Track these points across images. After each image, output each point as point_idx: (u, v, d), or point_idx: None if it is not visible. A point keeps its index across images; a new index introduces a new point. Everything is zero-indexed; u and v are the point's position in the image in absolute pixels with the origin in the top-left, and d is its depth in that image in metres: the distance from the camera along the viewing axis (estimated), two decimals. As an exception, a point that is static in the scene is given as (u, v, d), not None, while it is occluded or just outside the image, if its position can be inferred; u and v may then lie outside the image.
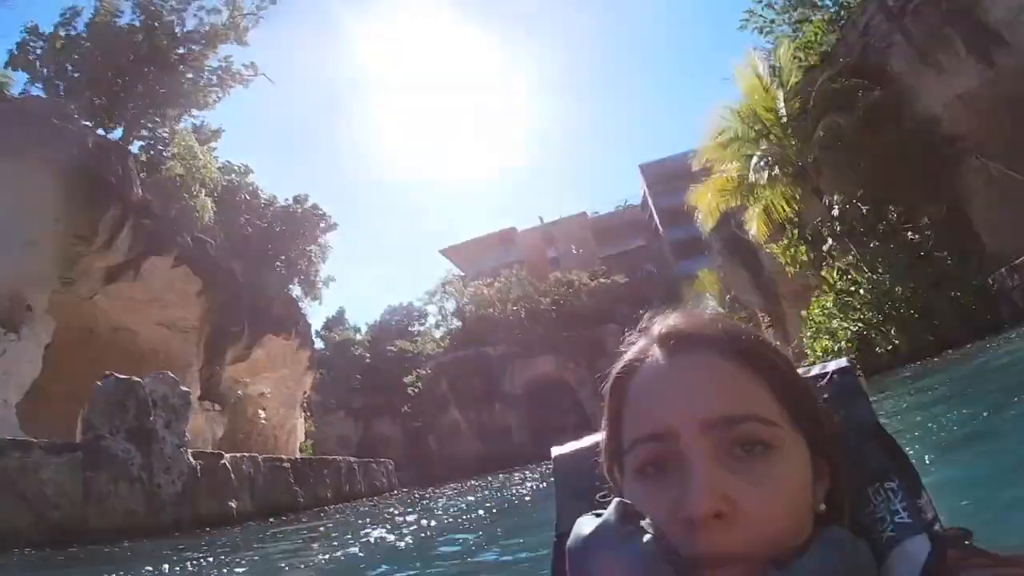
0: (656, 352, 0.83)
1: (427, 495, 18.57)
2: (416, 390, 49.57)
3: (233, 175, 29.25)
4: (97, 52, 24.20)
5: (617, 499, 0.78)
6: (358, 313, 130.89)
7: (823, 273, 18.76)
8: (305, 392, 31.65)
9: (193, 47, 26.51)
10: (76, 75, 24.21)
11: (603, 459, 0.89)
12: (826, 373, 0.94)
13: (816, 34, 22.28)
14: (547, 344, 47.07)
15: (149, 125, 25.36)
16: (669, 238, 55.49)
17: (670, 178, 44.75)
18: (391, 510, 14.54)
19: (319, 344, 44.39)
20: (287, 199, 31.87)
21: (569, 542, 0.78)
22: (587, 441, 0.97)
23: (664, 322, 0.87)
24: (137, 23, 25.58)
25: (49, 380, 16.65)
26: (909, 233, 16.81)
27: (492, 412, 47.10)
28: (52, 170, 16.52)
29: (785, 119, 19.25)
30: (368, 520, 12.21)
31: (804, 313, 20.04)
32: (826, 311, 18.22)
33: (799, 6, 25.29)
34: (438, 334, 57.05)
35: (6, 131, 16.30)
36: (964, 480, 3.81)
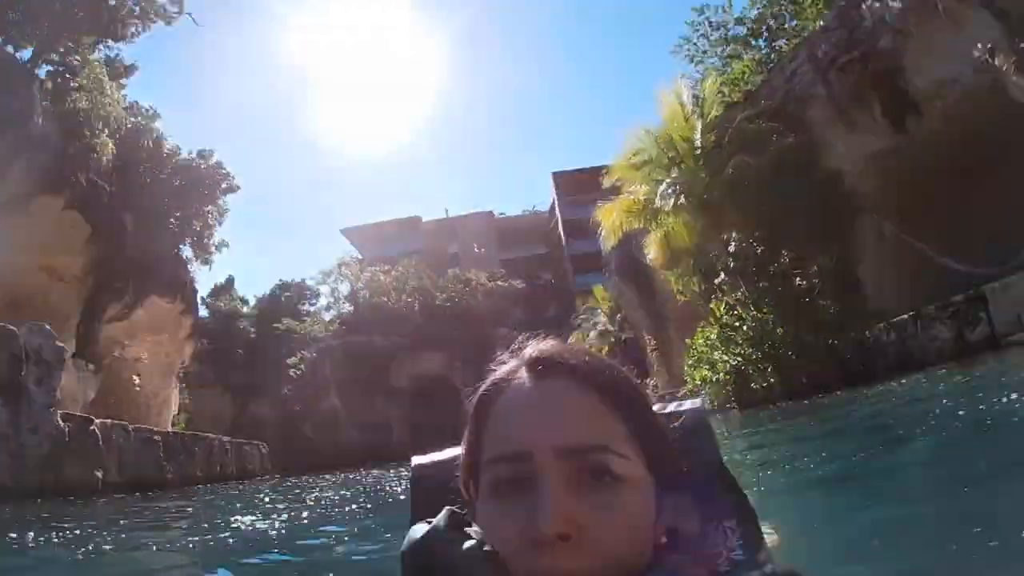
0: (523, 375, 0.87)
1: (300, 483, 18.23)
2: (298, 372, 48.41)
3: (139, 118, 27.60)
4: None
5: (447, 507, 0.84)
6: (247, 284, 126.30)
7: (711, 305, 19.45)
8: (183, 362, 30.42)
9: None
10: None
11: (460, 473, 0.92)
12: (680, 412, 1.00)
13: (744, 72, 23.16)
14: (437, 341, 47.02)
15: (61, 50, 23.59)
16: (570, 250, 56.47)
17: (580, 190, 45.48)
18: (262, 496, 14.22)
19: (203, 312, 42.62)
20: (191, 152, 30.13)
21: (403, 546, 0.83)
22: (448, 453, 1.00)
23: (536, 347, 0.91)
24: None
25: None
26: (798, 278, 17.69)
27: (374, 404, 46.60)
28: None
29: (699, 151, 19.75)
30: (239, 505, 11.93)
31: (689, 341, 20.88)
32: (709, 342, 19.03)
33: (733, 42, 26.36)
34: (328, 317, 55.96)
35: None
36: (818, 515, 4.19)
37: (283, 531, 7.21)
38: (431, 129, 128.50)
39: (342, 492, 12.96)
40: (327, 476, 21.42)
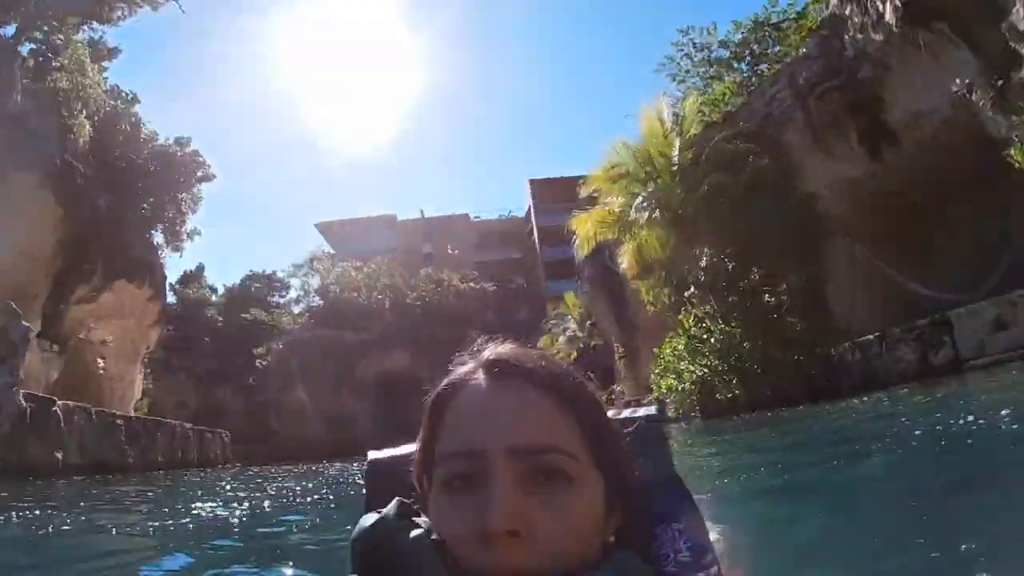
0: (480, 377, 0.89)
1: (263, 473, 18.14)
2: (265, 363, 48.04)
3: (119, 101, 27.31)
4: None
5: (397, 498, 0.87)
6: (218, 273, 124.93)
7: (680, 317, 19.83)
8: (149, 347, 30.01)
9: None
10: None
11: (414, 468, 0.94)
12: (636, 419, 1.03)
13: (724, 94, 23.58)
14: (406, 339, 46.90)
15: (45, 28, 23.23)
16: (544, 256, 56.71)
17: (556, 198, 45.77)
18: (224, 484, 14.16)
19: (171, 299, 42.08)
20: (168, 139, 29.96)
21: (353, 534, 0.85)
22: (403, 449, 1.02)
23: (494, 350, 0.93)
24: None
25: None
26: (767, 295, 18.10)
27: (340, 398, 46.35)
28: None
29: (676, 167, 20.16)
30: (200, 492, 11.88)
31: (656, 351, 21.19)
32: (677, 352, 19.36)
33: (715, 64, 26.83)
34: (297, 309, 55.51)
35: None
36: (767, 521, 4.35)
37: (244, 519, 7.22)
38: (411, 129, 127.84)
39: (304, 483, 12.87)
40: (290, 467, 21.31)
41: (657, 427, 1.05)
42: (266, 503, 9.22)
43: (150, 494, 11.77)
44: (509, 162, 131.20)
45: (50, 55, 22.98)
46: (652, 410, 1.07)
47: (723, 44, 27.03)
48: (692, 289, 19.89)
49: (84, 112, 22.66)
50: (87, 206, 22.20)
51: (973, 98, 13.99)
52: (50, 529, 6.77)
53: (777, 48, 24.40)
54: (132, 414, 23.90)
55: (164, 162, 28.72)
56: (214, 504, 8.79)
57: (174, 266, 56.25)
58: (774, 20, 25.44)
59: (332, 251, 60.85)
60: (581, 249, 24.07)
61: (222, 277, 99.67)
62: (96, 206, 22.96)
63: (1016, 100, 12.67)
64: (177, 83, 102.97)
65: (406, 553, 0.78)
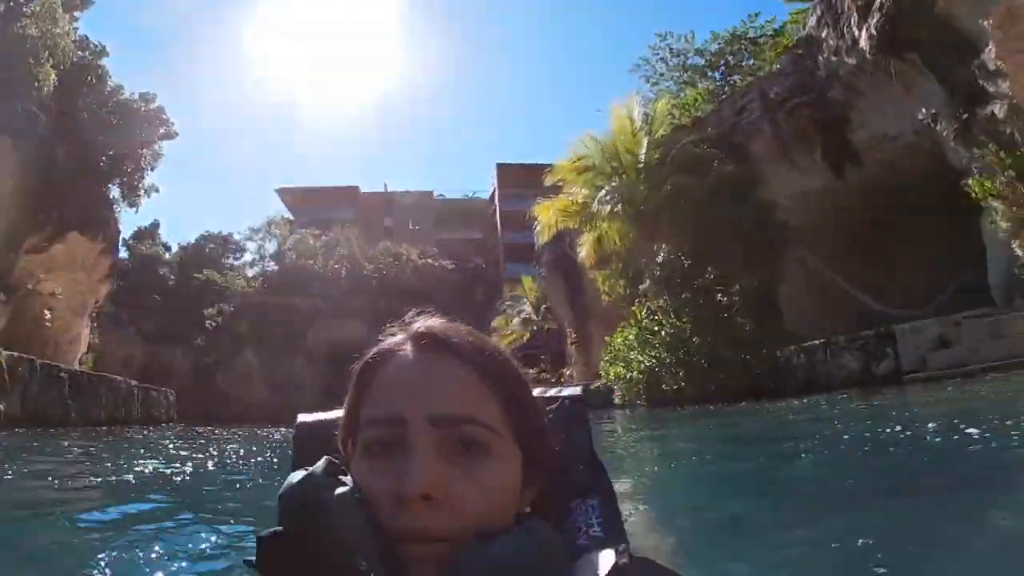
0: (408, 348, 0.91)
1: (206, 434, 18.04)
2: (214, 324, 47.43)
3: (86, 52, 26.57)
4: None
5: (326, 456, 0.88)
6: (172, 230, 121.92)
7: (634, 308, 20.30)
8: (97, 301, 29.41)
9: None
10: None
11: (340, 432, 0.95)
12: (560, 398, 1.06)
13: (696, 100, 24.07)
14: (360, 309, 46.51)
15: None
16: (505, 239, 56.91)
17: (521, 184, 45.93)
18: (167, 443, 14.11)
19: (124, 254, 41.19)
20: (133, 93, 29.25)
21: (281, 490, 0.86)
22: (331, 414, 1.02)
23: (424, 323, 0.95)
24: None
25: None
26: (720, 295, 18.58)
27: (289, 364, 45.97)
28: None
29: (642, 165, 20.65)
30: (143, 450, 11.85)
31: (608, 339, 21.68)
32: (627, 342, 19.87)
33: (690, 70, 27.35)
34: (251, 273, 54.72)
35: None
36: (686, 503, 4.59)
37: (186, 477, 7.26)
38: (381, 102, 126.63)
39: (249, 446, 12.83)
40: (235, 430, 21.19)
41: (579, 407, 1.06)
42: (209, 464, 9.26)
43: (92, 449, 11.71)
44: (477, 145, 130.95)
45: (21, 1, 22.27)
46: (577, 391, 1.10)
47: (699, 52, 27.70)
48: (647, 283, 20.35)
49: (51, 61, 22.04)
50: (45, 156, 21.70)
51: (937, 128, 14.51)
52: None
53: (751, 61, 24.98)
54: (77, 368, 23.56)
55: (127, 116, 28.02)
56: (156, 463, 8.81)
57: (129, 221, 54.87)
58: (751, 35, 26.12)
59: (291, 217, 60.05)
60: (542, 235, 24.53)
61: (177, 236, 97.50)
62: (54, 156, 22.44)
63: (979, 135, 13.17)
64: (147, 40, 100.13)
65: (331, 509, 0.80)
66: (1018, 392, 8.42)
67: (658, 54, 28.53)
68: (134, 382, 25.19)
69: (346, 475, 0.86)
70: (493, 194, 62.46)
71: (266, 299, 48.37)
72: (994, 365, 11.46)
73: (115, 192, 29.40)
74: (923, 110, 14.80)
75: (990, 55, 12.61)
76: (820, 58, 17.61)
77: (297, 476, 0.85)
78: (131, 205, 30.58)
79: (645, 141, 20.81)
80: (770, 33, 25.19)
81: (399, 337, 0.94)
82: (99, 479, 7.13)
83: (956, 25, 13.30)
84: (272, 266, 54.03)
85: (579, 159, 22.10)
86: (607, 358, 21.34)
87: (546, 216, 23.13)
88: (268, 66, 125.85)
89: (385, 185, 66.38)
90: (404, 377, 0.88)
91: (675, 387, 17.58)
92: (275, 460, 10.09)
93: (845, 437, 6.41)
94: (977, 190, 13.03)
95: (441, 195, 67.82)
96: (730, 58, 26.68)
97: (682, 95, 25.48)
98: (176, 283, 49.34)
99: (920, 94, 14.86)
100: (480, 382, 0.88)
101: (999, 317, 12.80)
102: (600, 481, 1.02)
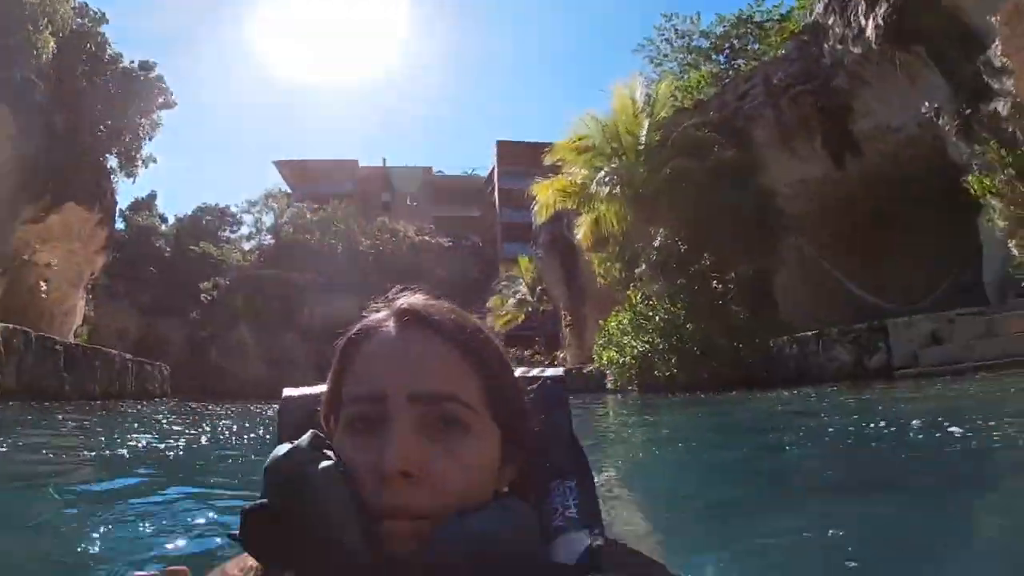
0: (391, 324, 0.92)
1: (200, 409, 18.10)
2: (210, 298, 47.39)
3: (86, 19, 26.26)
4: None
5: (311, 430, 0.89)
6: (169, 202, 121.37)
7: (629, 292, 20.34)
8: (93, 273, 29.25)
9: None
10: None
11: (322, 408, 0.96)
12: (541, 378, 1.06)
13: (699, 82, 23.88)
14: (355, 285, 46.23)
15: None
16: (503, 217, 56.73)
17: (521, 162, 45.61)
18: (160, 417, 14.16)
19: (120, 225, 41.02)
20: (133, 62, 28.98)
21: (267, 462, 0.86)
22: (317, 388, 1.03)
23: (407, 299, 0.95)
24: None
25: None
26: (715, 281, 18.60)
27: (283, 339, 45.95)
28: None
29: (642, 147, 20.48)
30: (136, 425, 11.90)
31: (602, 323, 21.71)
32: (621, 326, 19.89)
33: (694, 52, 27.13)
34: (247, 246, 54.64)
35: None
36: (667, 489, 4.68)
37: (180, 451, 7.32)
38: (382, 76, 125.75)
39: (242, 422, 12.84)
40: (229, 405, 21.28)
41: (559, 388, 1.06)
42: (203, 439, 9.33)
43: (86, 423, 11.78)
44: (477, 122, 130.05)
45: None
46: (559, 372, 1.10)
47: (704, 34, 27.48)
48: (643, 267, 20.34)
49: (50, 28, 21.80)
50: (43, 125, 21.53)
51: (940, 122, 14.45)
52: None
53: (757, 46, 24.81)
54: (72, 341, 23.56)
55: (126, 86, 27.77)
56: (150, 437, 8.84)
57: (126, 192, 54.56)
58: (758, 19, 25.89)
59: (289, 190, 59.85)
60: (540, 215, 24.42)
61: (174, 207, 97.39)
62: (52, 125, 22.28)
63: (980, 131, 13.12)
64: (147, 7, 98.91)
65: (315, 484, 0.81)
66: (1006, 393, 8.47)
67: (663, 35, 28.31)
68: (129, 356, 25.13)
69: (331, 450, 0.86)
70: (492, 172, 62.14)
71: (262, 273, 48.33)
72: (985, 364, 11.57)
73: (112, 162, 29.20)
74: (926, 103, 14.74)
75: (996, 51, 12.56)
76: (826, 46, 17.52)
77: (282, 449, 0.85)
78: (128, 176, 30.47)
79: (646, 123, 20.65)
80: (776, 18, 25.01)
81: (382, 314, 0.94)
82: (93, 453, 7.19)
83: (964, 19, 13.23)
84: (268, 240, 53.96)
85: (579, 139, 21.94)
86: (600, 342, 21.40)
87: (544, 196, 23.01)
88: (269, 38, 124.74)
89: (384, 160, 66.09)
90: (386, 354, 0.89)
91: (667, 373, 17.64)
92: (267, 436, 10.01)
93: (830, 431, 6.51)
94: (976, 187, 12.99)
95: (440, 171, 67.48)
96: (735, 41, 26.51)
97: (685, 77, 25.28)
98: (172, 255, 49.25)
99: (925, 87, 14.79)
100: (461, 360, 0.89)
101: (993, 316, 12.86)
102: (578, 463, 1.03)
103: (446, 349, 0.88)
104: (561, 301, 31.52)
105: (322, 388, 0.98)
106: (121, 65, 28.18)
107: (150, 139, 30.42)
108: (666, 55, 28.32)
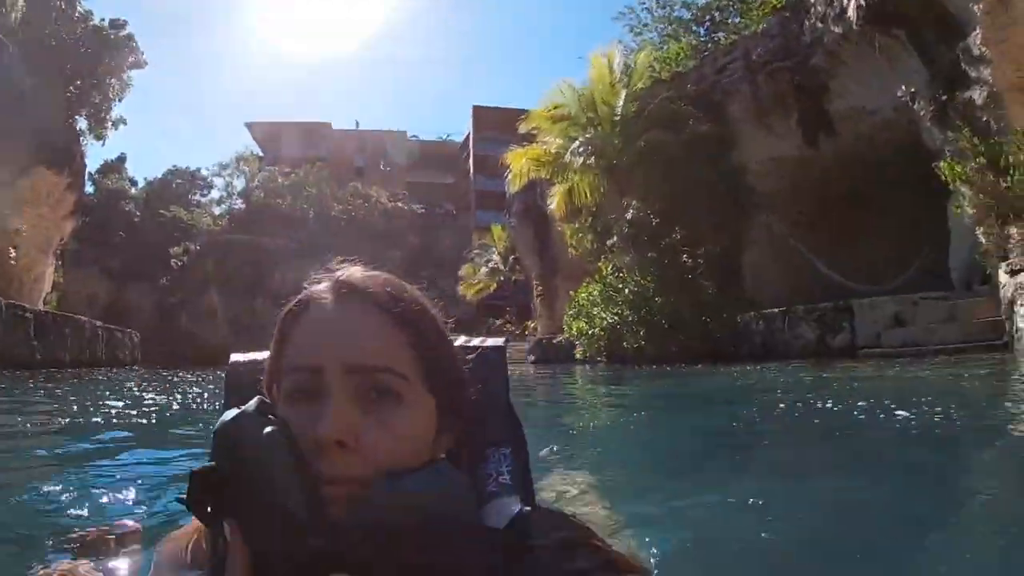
0: (328, 296, 0.93)
1: (171, 376, 18.04)
2: (180, 263, 46.94)
3: (55, -24, 25.57)
4: None
5: (258, 396, 0.90)
6: (138, 165, 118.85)
7: (600, 264, 20.59)
8: (62, 239, 28.86)
9: None
10: None
11: (264, 378, 0.98)
12: (479, 347, 1.09)
13: (678, 54, 23.63)
14: (327, 251, 43.57)
15: None
16: (477, 185, 56.66)
17: (497, 128, 45.40)
18: (131, 385, 14.12)
19: (88, 188, 40.29)
20: (103, 19, 28.31)
21: (215, 426, 0.87)
22: (264, 354, 1.03)
23: (344, 271, 0.97)
24: None
25: None
26: (686, 256, 18.83)
27: (254, 305, 45.67)
28: None
29: (619, 118, 20.30)
30: (108, 392, 11.87)
31: (573, 293, 21.94)
32: (591, 298, 20.13)
33: (674, 23, 26.84)
34: (218, 211, 54.11)
35: None
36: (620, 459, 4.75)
37: (152, 419, 7.30)
38: (356, 37, 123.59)
39: (213, 387, 13.03)
40: (200, 373, 21.25)
41: (497, 357, 1.09)
42: (175, 405, 9.31)
43: (57, 392, 11.69)
44: (453, 86, 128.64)
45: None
46: (499, 342, 1.13)
47: (685, 5, 27.13)
48: (615, 239, 20.57)
49: (19, -14, 21.27)
50: (12, 85, 21.13)
51: (916, 107, 14.58)
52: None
53: (738, 19, 24.56)
54: (42, 308, 23.38)
55: (95, 44, 27.08)
56: (123, 404, 8.76)
57: (95, 154, 53.43)
58: (740, -8, 25.61)
59: (261, 153, 59.11)
60: (513, 183, 24.17)
61: (144, 170, 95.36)
62: (21, 86, 21.84)
63: (955, 118, 13.24)
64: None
65: (260, 447, 0.82)
66: (958, 377, 8.75)
67: (644, 3, 27.99)
68: (99, 323, 25.04)
69: (276, 413, 0.88)
70: (467, 138, 61.79)
71: (232, 238, 48.01)
72: (945, 348, 11.99)
73: (82, 124, 28.63)
74: (903, 87, 14.85)
75: (976, 40, 12.63)
76: (806, 23, 17.44)
77: (231, 414, 0.87)
78: (98, 138, 29.85)
79: (623, 93, 20.41)
80: (759, -8, 24.83)
81: (322, 285, 0.96)
82: (65, 420, 7.19)
83: (945, 6, 13.28)
84: (239, 204, 53.48)
85: (555, 107, 21.69)
86: (571, 312, 21.61)
87: (518, 164, 22.74)
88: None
89: (357, 123, 65.53)
90: (322, 326, 0.91)
91: (636, 345, 17.90)
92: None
93: (781, 406, 6.73)
94: (947, 173, 13.11)
95: (415, 136, 67.04)
96: (716, 14, 26.22)
97: (665, 48, 25.10)
98: (142, 220, 48.53)
99: (903, 70, 14.85)
100: (396, 332, 0.91)
101: (956, 301, 13.25)
102: (514, 431, 1.07)
103: (381, 321, 0.91)
104: (533, 271, 31.62)
105: (267, 353, 1.00)
106: (91, 23, 27.51)
107: (120, 100, 29.82)
108: (646, 24, 27.94)
